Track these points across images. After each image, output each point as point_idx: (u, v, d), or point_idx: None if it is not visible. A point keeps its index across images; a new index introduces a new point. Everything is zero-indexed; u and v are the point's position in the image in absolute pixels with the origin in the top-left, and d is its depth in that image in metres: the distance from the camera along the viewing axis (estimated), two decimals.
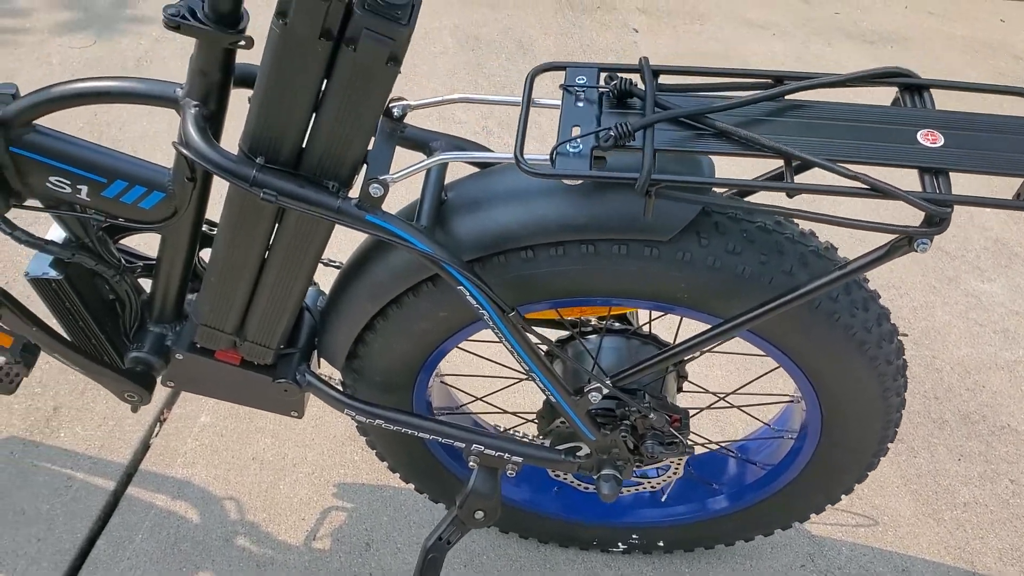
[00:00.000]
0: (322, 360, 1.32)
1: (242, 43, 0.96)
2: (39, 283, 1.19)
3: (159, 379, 1.32)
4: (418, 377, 1.27)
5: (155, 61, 2.85)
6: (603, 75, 1.03)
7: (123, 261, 1.23)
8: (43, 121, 1.09)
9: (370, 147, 1.04)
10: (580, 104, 1.00)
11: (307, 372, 1.27)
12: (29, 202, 1.14)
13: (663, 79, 1.04)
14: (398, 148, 1.11)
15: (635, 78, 1.02)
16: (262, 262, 1.14)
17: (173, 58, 2.86)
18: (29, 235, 1.14)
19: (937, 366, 2.03)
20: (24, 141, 1.06)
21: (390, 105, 1.08)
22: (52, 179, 1.09)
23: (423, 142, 1.13)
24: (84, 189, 1.10)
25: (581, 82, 1.01)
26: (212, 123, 1.02)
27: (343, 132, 0.97)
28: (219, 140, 1.04)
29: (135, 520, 1.58)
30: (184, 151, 0.99)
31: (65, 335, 1.22)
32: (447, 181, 1.12)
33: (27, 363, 1.10)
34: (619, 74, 1.01)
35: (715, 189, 1.06)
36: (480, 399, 1.51)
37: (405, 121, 1.10)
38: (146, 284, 1.30)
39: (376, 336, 1.20)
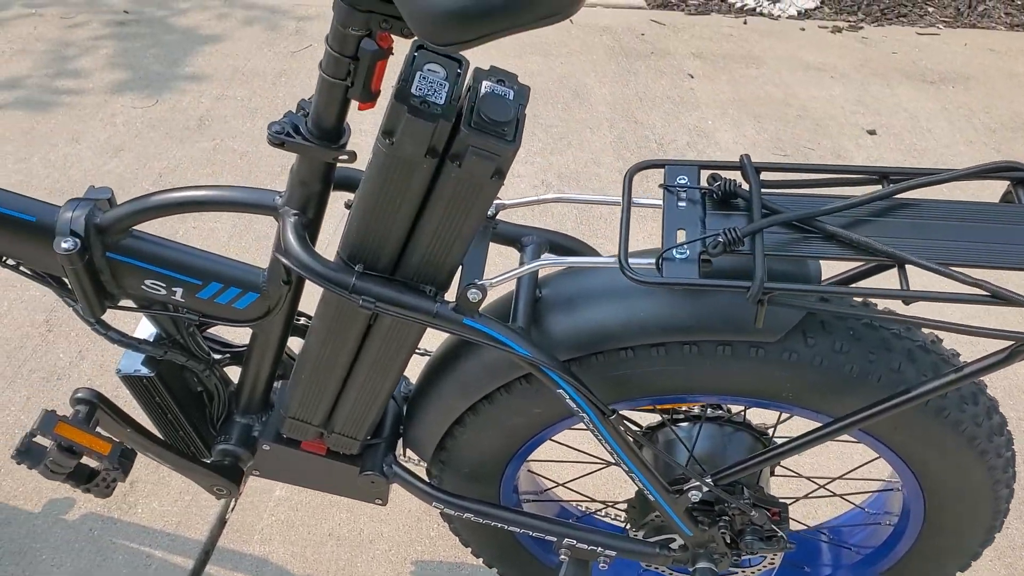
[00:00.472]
0: (407, 449, 1.31)
1: (344, 158, 0.95)
2: (130, 380, 1.19)
3: (245, 470, 1.32)
4: (507, 468, 1.25)
5: (216, 120, 2.88)
6: (703, 171, 1.02)
7: (211, 354, 1.23)
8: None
9: None
10: (682, 204, 0.99)
11: (394, 463, 1.25)
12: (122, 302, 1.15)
13: (765, 174, 1.02)
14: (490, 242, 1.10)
15: (737, 175, 1.00)
16: (354, 360, 1.13)
17: (234, 117, 2.89)
18: (122, 335, 1.14)
19: None
20: (120, 246, 1.07)
21: None
22: (148, 282, 1.09)
23: (515, 237, 1.12)
24: (179, 291, 1.10)
25: (682, 182, 1.00)
26: (310, 229, 1.02)
27: (443, 241, 0.96)
28: (315, 243, 1.03)
29: None
30: (284, 259, 0.98)
31: (157, 433, 1.22)
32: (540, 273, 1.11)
33: (124, 469, 1.10)
34: (721, 174, 0.99)
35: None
36: (565, 485, 1.49)
37: (505, 206, 1.09)
38: (232, 372, 1.30)
39: (465, 430, 1.19)
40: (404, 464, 1.26)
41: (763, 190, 0.97)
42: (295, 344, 1.22)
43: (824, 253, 0.92)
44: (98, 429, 1.11)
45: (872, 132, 2.96)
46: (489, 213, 1.07)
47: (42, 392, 1.93)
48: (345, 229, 0.97)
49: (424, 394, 1.20)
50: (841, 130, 2.98)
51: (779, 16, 3.74)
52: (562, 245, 1.14)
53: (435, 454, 1.25)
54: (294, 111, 0.95)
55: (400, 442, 1.30)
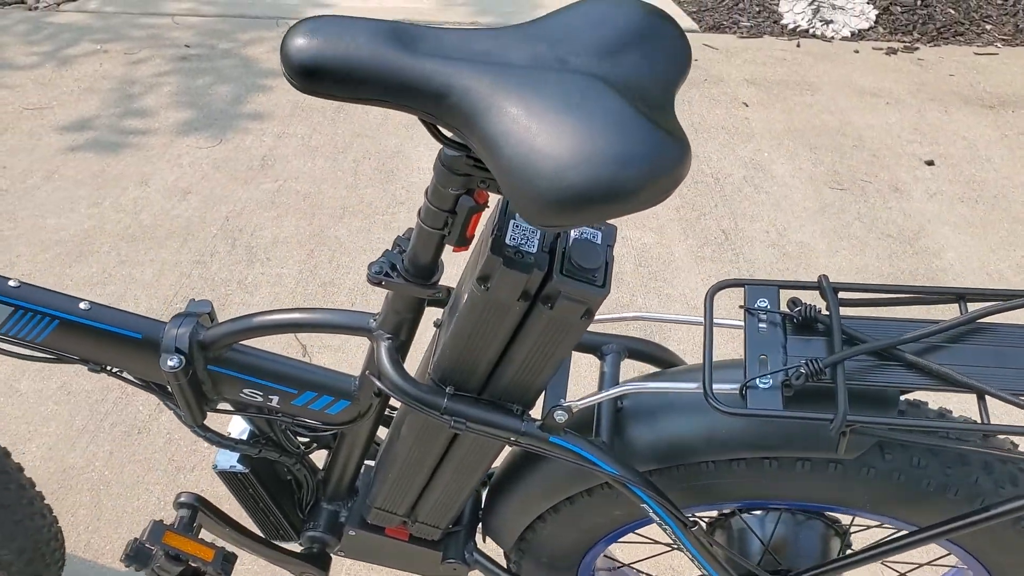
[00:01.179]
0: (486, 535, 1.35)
1: (439, 295, 1.00)
2: (226, 476, 1.25)
3: (332, 553, 1.37)
4: (586, 556, 1.29)
5: (279, 160, 2.95)
6: (784, 291, 1.05)
7: (301, 446, 1.28)
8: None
9: None
10: (763, 327, 1.02)
11: (474, 551, 1.30)
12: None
13: (843, 293, 1.04)
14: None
15: (815, 294, 1.03)
16: (439, 462, 1.17)
17: (295, 156, 2.95)
18: (220, 436, 1.20)
19: None
20: (222, 359, 1.12)
21: None
22: (246, 391, 1.15)
23: (595, 346, 1.16)
24: (275, 399, 1.15)
25: (763, 305, 1.03)
26: (402, 351, 1.07)
27: (531, 369, 1.00)
28: (405, 359, 1.08)
29: None
30: (378, 382, 1.03)
31: (252, 527, 1.28)
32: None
33: (226, 572, 1.16)
34: (800, 296, 1.02)
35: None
36: (633, 566, 1.53)
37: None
38: (319, 455, 1.35)
39: (546, 526, 1.23)
40: (483, 551, 1.31)
41: (842, 311, 1.00)
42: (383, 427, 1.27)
43: (905, 383, 0.95)
44: (201, 530, 1.17)
45: (930, 163, 2.94)
46: None
47: (124, 447, 2.01)
48: (437, 356, 1.02)
49: (506, 488, 1.25)
50: (898, 161, 2.96)
51: (832, 37, 3.72)
52: (643, 352, 1.18)
53: (515, 544, 1.29)
54: (391, 248, 1.00)
55: (480, 527, 1.35)
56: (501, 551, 1.35)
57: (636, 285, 2.50)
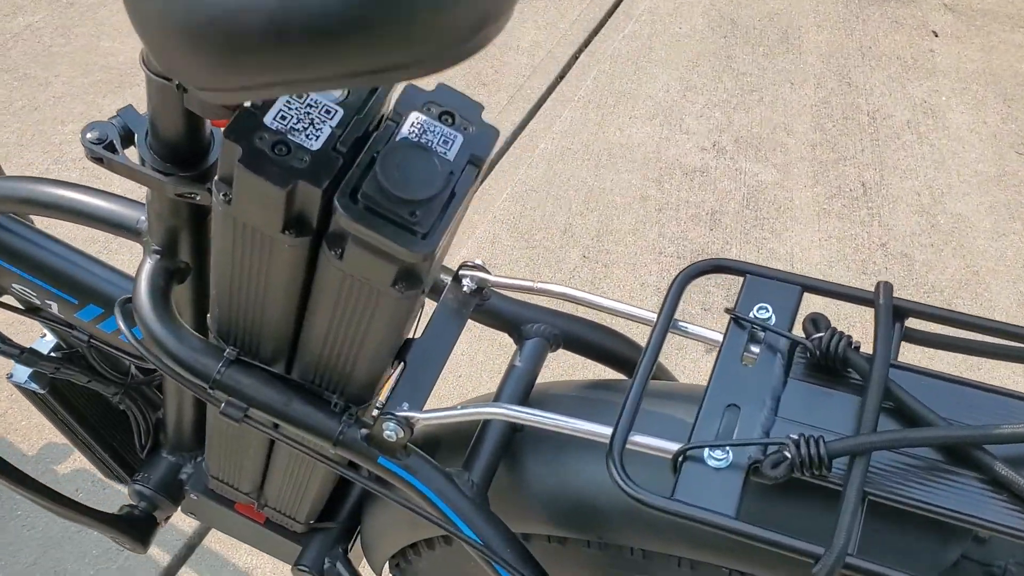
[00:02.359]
0: None
1: (194, 196, 0.60)
2: (24, 392, 0.92)
3: (180, 509, 1.03)
4: None
5: None
6: (808, 296, 0.60)
7: (130, 374, 0.93)
8: None
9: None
10: (752, 352, 0.58)
11: (341, 562, 0.93)
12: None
13: (912, 321, 0.58)
14: (476, 327, 0.73)
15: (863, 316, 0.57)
16: (270, 451, 0.80)
17: None
18: (3, 339, 0.86)
19: None
20: None
21: (459, 273, 0.70)
22: (16, 286, 0.80)
23: (513, 321, 0.74)
24: (54, 306, 0.80)
25: (763, 316, 0.58)
26: (181, 276, 0.68)
27: (341, 350, 0.60)
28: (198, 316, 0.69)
29: None
30: (119, 319, 0.66)
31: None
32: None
33: None
34: (829, 319, 0.57)
35: None
36: None
37: (490, 284, 0.71)
38: None
39: (420, 560, 0.84)
40: (354, 568, 0.94)
41: (893, 366, 0.55)
42: None
43: (986, 518, 0.50)
44: None
45: None
46: (467, 288, 0.69)
47: None
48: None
49: (376, 497, 0.86)
50: None
51: None
52: (591, 344, 0.75)
53: (391, 570, 0.92)
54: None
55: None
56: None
57: (735, 230, 2.02)
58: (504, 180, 2.07)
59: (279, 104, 0.49)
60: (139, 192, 0.64)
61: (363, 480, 0.66)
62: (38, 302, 0.81)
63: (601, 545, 0.67)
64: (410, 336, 0.70)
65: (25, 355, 0.86)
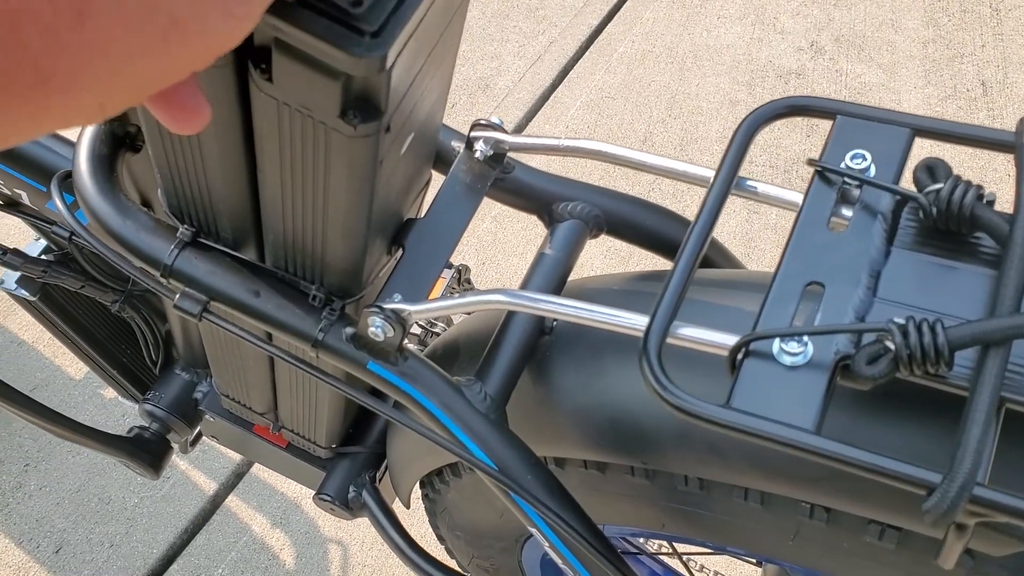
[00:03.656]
0: None
1: None
2: (16, 299, 0.83)
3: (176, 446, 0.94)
4: (524, 551, 0.78)
5: None
6: (920, 140, 0.44)
7: (131, 279, 0.83)
8: None
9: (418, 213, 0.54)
10: (846, 214, 0.43)
11: (367, 490, 0.82)
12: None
13: None
14: (498, 207, 0.59)
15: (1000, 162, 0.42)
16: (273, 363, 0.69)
17: None
18: None
19: None
20: None
21: (471, 136, 0.56)
22: None
23: (544, 200, 0.60)
24: (24, 195, 0.70)
25: (859, 165, 0.43)
26: (132, 143, 0.56)
27: (306, 221, 0.47)
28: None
29: (222, 545, 1.26)
30: (54, 192, 0.54)
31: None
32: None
33: None
34: (950, 166, 0.42)
35: None
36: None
37: (509, 155, 0.57)
38: None
39: (448, 489, 0.72)
40: (381, 496, 0.82)
41: None
42: None
43: None
44: None
45: None
46: (480, 153, 0.55)
47: None
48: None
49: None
50: None
51: None
52: (637, 227, 0.60)
53: (423, 501, 0.80)
54: None
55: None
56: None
57: None
58: (578, 87, 1.90)
59: None
60: None
61: (354, 393, 0.54)
62: (7, 191, 0.71)
63: (648, 473, 0.54)
64: (411, 216, 0.57)
65: (8, 256, 0.77)
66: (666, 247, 0.60)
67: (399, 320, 0.49)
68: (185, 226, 0.52)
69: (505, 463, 0.51)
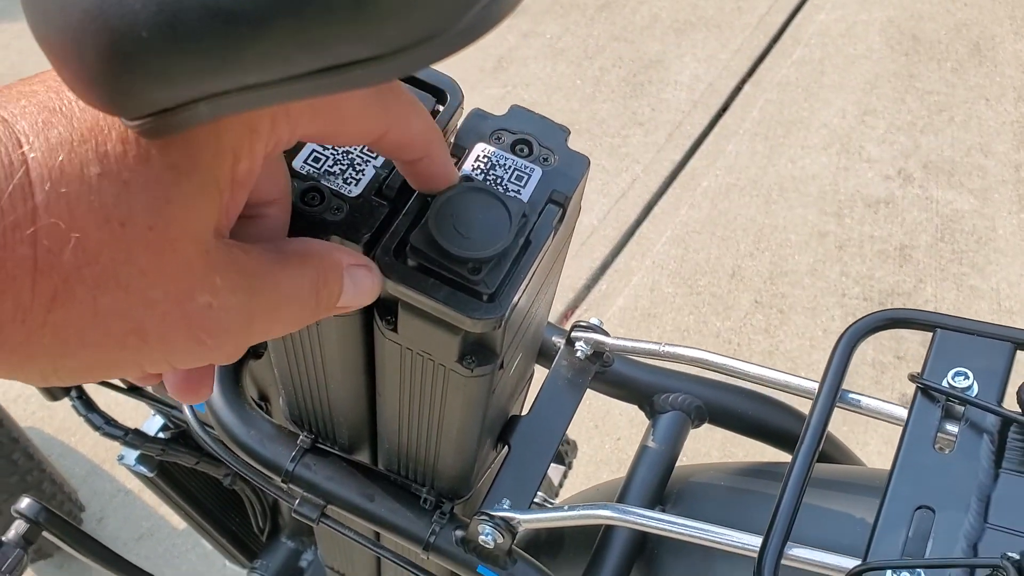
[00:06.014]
0: None
1: None
2: (135, 474, 0.87)
3: None
4: None
5: (516, 62, 2.51)
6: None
7: None
8: None
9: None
10: (951, 431, 0.43)
11: None
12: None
13: None
14: (597, 398, 0.61)
15: None
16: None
17: (536, 59, 2.50)
18: (107, 420, 0.81)
19: None
20: None
21: (571, 336, 0.58)
22: None
23: (645, 391, 0.61)
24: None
25: (962, 384, 0.44)
26: (255, 353, 0.60)
27: (421, 437, 0.49)
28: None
29: None
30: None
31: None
32: None
33: None
34: None
35: None
36: None
37: (607, 348, 0.59)
38: None
39: None
40: None
41: None
42: None
43: None
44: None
45: None
46: (581, 354, 0.57)
47: None
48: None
49: None
50: None
51: None
52: (748, 419, 0.61)
53: None
54: None
55: None
56: None
57: (929, 266, 1.80)
58: (664, 222, 1.93)
59: (314, 146, 0.40)
60: None
61: None
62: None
63: None
64: (516, 413, 0.59)
65: (130, 437, 0.81)
66: (770, 435, 0.61)
67: (508, 528, 0.51)
68: (305, 433, 0.55)
69: None
